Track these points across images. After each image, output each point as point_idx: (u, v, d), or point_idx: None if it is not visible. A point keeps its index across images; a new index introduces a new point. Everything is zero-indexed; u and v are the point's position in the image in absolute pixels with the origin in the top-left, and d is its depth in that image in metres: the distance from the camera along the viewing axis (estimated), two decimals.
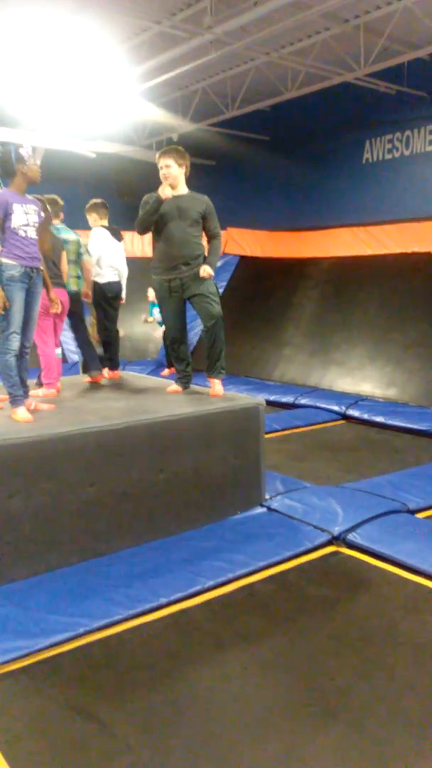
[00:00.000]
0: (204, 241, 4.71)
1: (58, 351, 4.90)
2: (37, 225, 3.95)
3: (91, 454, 3.71)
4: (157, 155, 4.58)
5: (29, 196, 4.00)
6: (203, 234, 4.69)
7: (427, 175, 9.42)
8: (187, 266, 4.58)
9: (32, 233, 3.89)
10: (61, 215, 5.26)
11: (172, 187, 4.54)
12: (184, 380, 4.89)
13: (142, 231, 4.65)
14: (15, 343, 3.85)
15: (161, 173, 4.54)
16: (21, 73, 8.50)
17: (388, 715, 2.48)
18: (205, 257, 4.66)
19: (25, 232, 3.84)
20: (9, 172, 3.90)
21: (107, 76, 8.66)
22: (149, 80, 8.78)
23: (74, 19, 7.21)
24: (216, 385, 4.68)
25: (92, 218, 5.52)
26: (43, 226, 4.54)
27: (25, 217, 3.85)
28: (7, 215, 3.79)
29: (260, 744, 2.34)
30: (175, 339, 4.85)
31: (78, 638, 2.96)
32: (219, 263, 11.51)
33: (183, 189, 4.59)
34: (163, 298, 4.73)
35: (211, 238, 4.71)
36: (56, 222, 5.12)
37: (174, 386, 4.88)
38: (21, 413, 3.84)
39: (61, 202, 5.25)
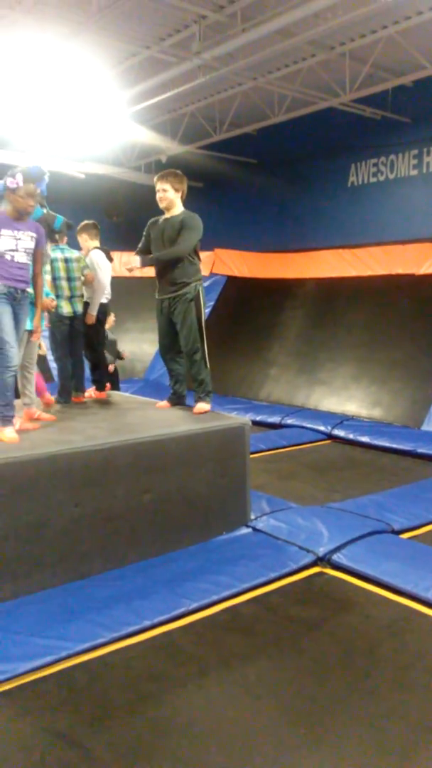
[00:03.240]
0: (195, 259, 4.72)
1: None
2: (30, 251, 3.97)
3: (76, 475, 3.70)
4: (155, 178, 4.69)
5: (31, 222, 4.01)
6: (192, 253, 4.68)
7: (411, 198, 9.59)
8: (173, 286, 4.68)
9: (21, 258, 3.90)
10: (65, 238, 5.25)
11: (167, 209, 4.69)
12: (174, 397, 4.99)
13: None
14: (14, 359, 3.87)
15: (157, 196, 4.67)
16: (13, 95, 8.59)
17: (371, 739, 2.47)
18: (188, 279, 4.67)
19: (12, 256, 3.86)
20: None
21: (97, 99, 8.77)
22: (139, 103, 8.91)
23: (66, 44, 7.32)
24: (199, 404, 4.75)
25: (84, 239, 5.55)
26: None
27: (13, 242, 3.87)
28: None
29: (242, 767, 2.33)
30: (163, 357, 5.01)
31: (60, 662, 2.93)
32: (206, 283, 11.71)
33: (176, 211, 4.69)
34: (157, 315, 4.90)
35: (189, 259, 4.65)
36: (62, 243, 5.13)
37: (163, 402, 4.99)
38: (8, 433, 3.83)
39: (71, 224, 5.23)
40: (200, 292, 4.74)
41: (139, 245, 4.91)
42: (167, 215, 4.70)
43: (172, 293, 4.69)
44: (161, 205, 4.69)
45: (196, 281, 4.73)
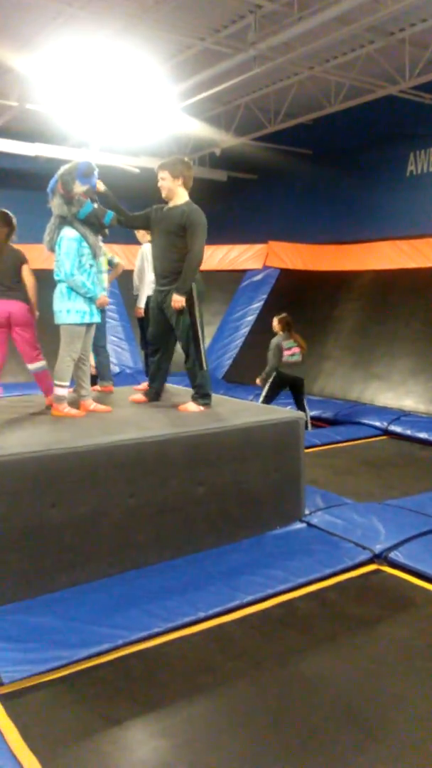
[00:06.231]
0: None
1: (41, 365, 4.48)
2: None
3: (132, 466, 3.73)
4: (156, 167, 4.50)
5: None
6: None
7: None
8: (165, 279, 4.43)
9: None
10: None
11: (168, 198, 4.47)
12: (150, 391, 4.79)
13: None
14: None
15: (159, 184, 4.47)
16: (69, 92, 8.72)
17: (429, 740, 2.41)
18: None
19: None
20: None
21: (152, 93, 8.80)
22: (193, 96, 8.89)
23: (121, 39, 7.37)
24: (188, 403, 4.56)
25: (142, 234, 5.64)
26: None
27: None
28: None
29: (299, 764, 2.30)
30: (150, 344, 4.77)
31: (116, 650, 2.97)
32: (259, 276, 11.68)
33: (178, 201, 4.44)
34: (152, 307, 4.70)
35: (187, 252, 4.33)
36: None
37: (137, 395, 4.82)
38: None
39: None
40: (194, 289, 4.37)
41: (135, 213, 4.63)
42: (170, 205, 4.45)
43: (164, 286, 4.43)
44: (162, 194, 4.46)
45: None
